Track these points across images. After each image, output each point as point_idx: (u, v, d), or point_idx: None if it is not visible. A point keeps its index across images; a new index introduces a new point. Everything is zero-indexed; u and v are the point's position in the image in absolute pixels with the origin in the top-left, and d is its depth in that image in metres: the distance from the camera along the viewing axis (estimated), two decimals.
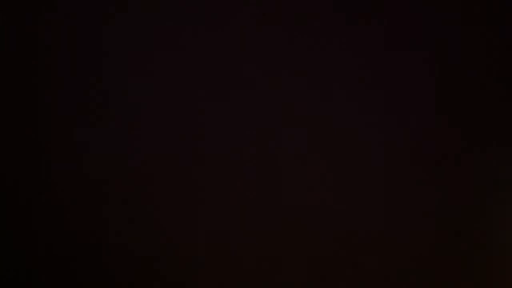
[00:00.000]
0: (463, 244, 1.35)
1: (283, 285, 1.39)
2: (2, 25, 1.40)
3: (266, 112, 1.36)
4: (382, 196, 1.35)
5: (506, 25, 1.32)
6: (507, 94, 1.33)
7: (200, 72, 1.37)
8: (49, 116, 1.40)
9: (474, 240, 1.35)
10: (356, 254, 1.37)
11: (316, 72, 1.35)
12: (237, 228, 1.38)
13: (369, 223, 1.36)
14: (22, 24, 1.40)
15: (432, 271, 1.36)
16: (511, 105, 1.33)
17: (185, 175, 1.38)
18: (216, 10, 1.36)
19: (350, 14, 1.34)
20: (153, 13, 1.37)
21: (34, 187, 1.42)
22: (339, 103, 1.35)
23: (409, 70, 1.34)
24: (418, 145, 1.34)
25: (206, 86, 1.37)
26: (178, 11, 1.37)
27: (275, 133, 1.36)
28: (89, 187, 1.41)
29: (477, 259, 1.35)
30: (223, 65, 1.37)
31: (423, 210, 1.35)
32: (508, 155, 1.33)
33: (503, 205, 1.34)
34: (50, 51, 1.39)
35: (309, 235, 1.37)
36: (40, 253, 1.43)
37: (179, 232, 1.40)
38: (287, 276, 1.39)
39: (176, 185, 1.39)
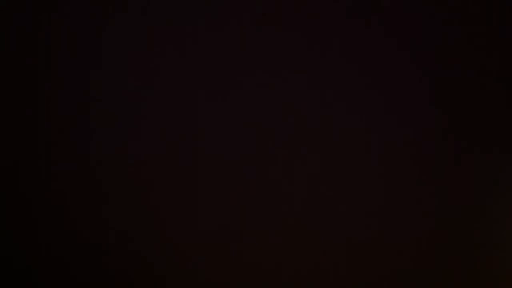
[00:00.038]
0: (463, 244, 1.35)
1: (283, 285, 1.39)
2: (2, 25, 1.40)
3: (266, 112, 1.36)
4: (382, 196, 1.35)
5: (506, 25, 1.32)
6: (507, 94, 1.33)
7: (200, 72, 1.37)
8: (49, 116, 1.40)
9: (474, 240, 1.35)
10: (356, 254, 1.37)
11: (316, 72, 1.35)
12: (237, 228, 1.38)
13: (369, 223, 1.36)
14: (22, 24, 1.40)
15: (432, 271, 1.36)
16: (511, 105, 1.33)
17: (185, 175, 1.38)
18: (216, 10, 1.36)
19: (350, 14, 1.34)
20: (153, 13, 1.37)
21: (34, 187, 1.42)
22: (339, 103, 1.35)
23: (409, 70, 1.34)
24: (418, 145, 1.34)
25: (206, 86, 1.37)
26: (178, 11, 1.37)
27: (275, 133, 1.36)
28: (89, 187, 1.41)
29: (477, 259, 1.35)
30: (223, 65, 1.37)
31: (423, 210, 1.35)
32: (508, 155, 1.33)
33: (503, 205, 1.34)
34: (50, 51, 1.39)
35: (309, 234, 1.37)
36: (40, 253, 1.43)
37: (179, 232, 1.40)
38: (287, 276, 1.39)
39: (176, 185, 1.39)
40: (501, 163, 1.33)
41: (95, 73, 1.39)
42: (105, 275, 1.42)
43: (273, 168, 1.37)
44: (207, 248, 1.39)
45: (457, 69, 1.33)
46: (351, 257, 1.37)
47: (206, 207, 1.39)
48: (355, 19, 1.34)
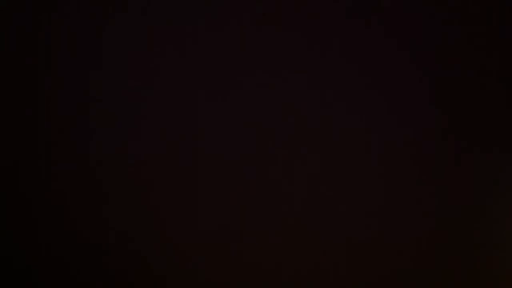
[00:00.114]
0: (463, 244, 1.35)
1: (283, 285, 1.39)
2: (2, 25, 1.40)
3: (266, 112, 1.36)
4: (382, 196, 1.35)
5: (506, 25, 1.32)
6: (507, 94, 1.33)
7: (200, 72, 1.37)
8: (49, 116, 1.40)
9: (474, 240, 1.35)
10: (356, 254, 1.37)
11: (316, 72, 1.35)
12: (237, 228, 1.38)
13: (369, 223, 1.36)
14: (22, 24, 1.40)
15: (432, 271, 1.36)
16: (511, 105, 1.33)
17: (185, 175, 1.38)
18: (216, 10, 1.36)
19: (350, 14, 1.34)
20: (153, 13, 1.37)
21: (34, 187, 1.42)
22: (339, 103, 1.35)
23: (409, 70, 1.34)
24: (418, 145, 1.34)
25: (206, 86, 1.37)
26: (178, 11, 1.37)
27: (275, 133, 1.36)
28: (89, 187, 1.41)
29: (477, 259, 1.35)
30: (223, 65, 1.37)
31: (423, 210, 1.35)
32: (508, 155, 1.33)
33: (503, 205, 1.34)
34: (50, 51, 1.39)
35: (309, 234, 1.37)
36: (40, 253, 1.43)
37: (179, 232, 1.40)
38: (287, 276, 1.39)
39: (176, 185, 1.39)
40: (501, 163, 1.33)
41: (95, 73, 1.39)
42: (105, 275, 1.42)
43: (273, 168, 1.37)
44: (207, 248, 1.39)
45: (457, 69, 1.33)
46: (351, 257, 1.37)
47: (206, 207, 1.39)
48: (355, 19, 1.34)
